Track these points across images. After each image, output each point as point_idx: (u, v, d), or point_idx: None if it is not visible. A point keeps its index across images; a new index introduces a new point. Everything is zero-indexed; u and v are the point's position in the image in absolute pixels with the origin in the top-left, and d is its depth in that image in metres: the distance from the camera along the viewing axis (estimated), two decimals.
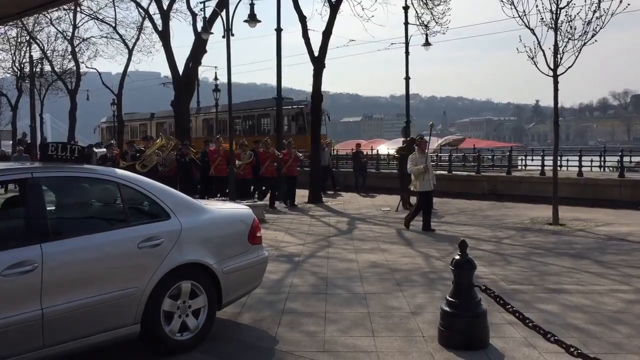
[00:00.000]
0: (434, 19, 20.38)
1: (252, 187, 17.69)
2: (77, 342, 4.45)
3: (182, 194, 5.57)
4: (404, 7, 27.74)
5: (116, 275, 4.69)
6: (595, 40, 12.43)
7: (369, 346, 5.29)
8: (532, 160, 24.50)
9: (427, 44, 30.60)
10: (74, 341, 4.43)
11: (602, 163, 22.72)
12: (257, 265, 5.82)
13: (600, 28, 12.39)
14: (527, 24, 13.11)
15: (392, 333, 5.66)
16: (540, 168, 18.73)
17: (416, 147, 12.92)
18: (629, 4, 12.21)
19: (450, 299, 5.27)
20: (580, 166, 17.22)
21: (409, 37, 28.91)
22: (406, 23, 28.72)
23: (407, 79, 28.91)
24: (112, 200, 5.18)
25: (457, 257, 5.31)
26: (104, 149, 18.75)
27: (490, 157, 26.12)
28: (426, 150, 12.82)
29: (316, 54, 18.19)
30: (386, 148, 40.12)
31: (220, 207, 5.91)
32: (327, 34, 17.94)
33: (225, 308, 5.79)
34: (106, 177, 5.01)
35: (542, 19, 12.71)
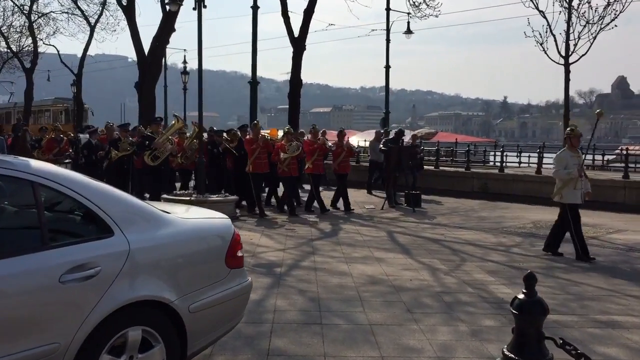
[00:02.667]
0: (424, 1, 18.77)
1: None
2: None
3: (132, 197, 3.92)
4: None
5: (23, 327, 3.06)
6: (616, 25, 11.12)
7: None
8: (519, 157, 23.20)
9: (408, 31, 29.28)
10: None
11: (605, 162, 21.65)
12: (237, 298, 4.22)
13: (620, 12, 11.10)
14: (536, 5, 11.77)
15: None
16: (534, 166, 17.48)
17: (566, 143, 9.38)
18: None
19: (510, 354, 3.75)
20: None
21: (390, 24, 27.53)
22: (388, 9, 27.25)
23: (387, 67, 27.39)
24: (22, 208, 3.52)
25: (522, 296, 3.78)
26: (86, 135, 15.58)
27: (472, 152, 24.77)
28: (579, 149, 9.32)
29: (296, 34, 16.55)
30: (357, 140, 38.66)
31: (188, 215, 4.26)
32: (309, 12, 16.35)
33: None
34: (14, 172, 3.33)
35: None
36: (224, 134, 14.22)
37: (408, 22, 28.75)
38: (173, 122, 12.34)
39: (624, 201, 14.58)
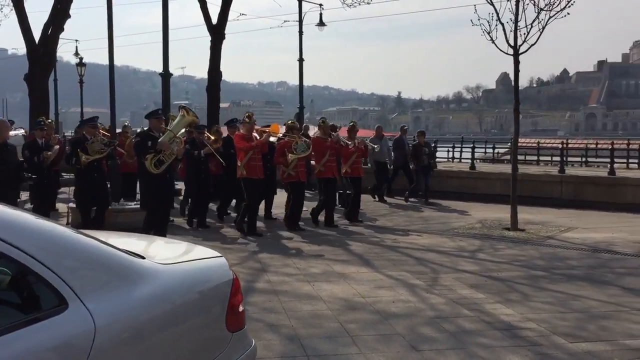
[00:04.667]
0: None
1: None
2: None
3: (90, 240, 2.50)
4: None
5: None
6: (568, 14, 10.57)
7: None
8: (452, 152, 22.86)
9: (321, 23, 28.36)
10: None
11: (495, 155, 21.87)
12: None
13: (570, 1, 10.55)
14: None
15: None
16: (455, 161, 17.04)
17: None
18: None
19: None
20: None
21: (303, 15, 26.46)
22: None
23: (301, 60, 26.28)
24: None
25: None
26: (21, 130, 11.77)
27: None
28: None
29: (214, 21, 15.03)
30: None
31: (170, 258, 2.86)
32: None
33: None
34: None
35: None
36: (206, 132, 11.62)
37: (320, 14, 27.84)
38: (181, 113, 9.13)
39: (560, 196, 14.35)
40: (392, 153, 15.93)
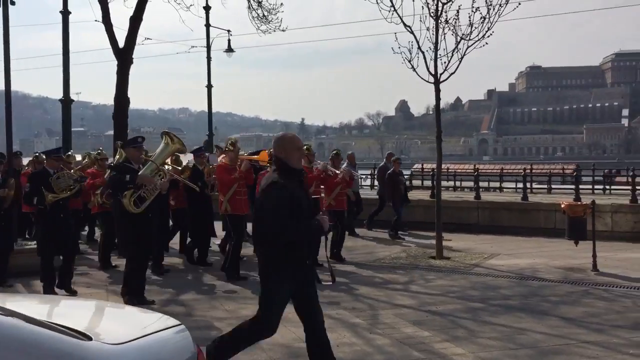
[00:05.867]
0: (267, 15, 17.25)
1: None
2: None
3: (24, 324, 1.89)
4: (204, 7, 24.77)
5: None
6: (486, 43, 10.75)
7: None
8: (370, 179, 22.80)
9: (229, 50, 27.95)
10: None
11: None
12: None
13: (490, 29, 10.74)
14: (401, 18, 11.01)
15: None
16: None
17: None
18: (519, 4, 10.93)
19: None
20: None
21: (211, 41, 25.96)
22: (207, 25, 25.68)
23: (210, 87, 25.86)
24: None
25: None
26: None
27: None
28: None
29: (121, 45, 14.19)
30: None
31: (121, 334, 2.27)
32: (136, 19, 14.11)
33: None
34: None
35: (429, 11, 10.67)
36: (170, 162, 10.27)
37: (229, 40, 27.53)
38: (165, 140, 7.97)
39: (477, 222, 14.53)
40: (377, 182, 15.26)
